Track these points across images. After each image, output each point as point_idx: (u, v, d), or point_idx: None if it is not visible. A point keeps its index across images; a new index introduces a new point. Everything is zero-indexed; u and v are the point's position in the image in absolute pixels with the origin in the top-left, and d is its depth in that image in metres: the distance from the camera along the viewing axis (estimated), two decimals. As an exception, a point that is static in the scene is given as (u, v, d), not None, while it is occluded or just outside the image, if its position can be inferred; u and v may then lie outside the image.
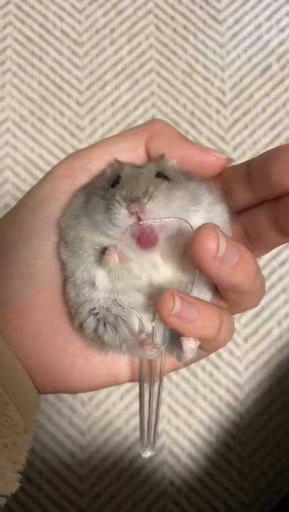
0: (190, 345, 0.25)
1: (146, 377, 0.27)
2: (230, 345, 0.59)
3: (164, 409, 0.57)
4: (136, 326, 0.27)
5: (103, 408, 0.57)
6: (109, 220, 0.24)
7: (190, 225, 0.24)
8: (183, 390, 0.58)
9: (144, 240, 0.24)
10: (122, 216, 0.24)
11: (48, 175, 0.28)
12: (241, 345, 0.59)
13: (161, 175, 0.26)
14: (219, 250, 0.22)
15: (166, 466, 0.57)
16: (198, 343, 0.25)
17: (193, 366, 0.58)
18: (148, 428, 0.28)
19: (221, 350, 0.59)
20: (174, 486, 0.56)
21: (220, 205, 0.27)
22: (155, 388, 0.27)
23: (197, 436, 0.57)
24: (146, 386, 0.28)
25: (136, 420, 0.57)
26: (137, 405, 0.56)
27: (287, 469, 0.57)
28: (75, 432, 0.56)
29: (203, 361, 0.58)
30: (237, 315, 0.59)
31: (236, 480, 0.56)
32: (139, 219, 0.24)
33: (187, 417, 0.58)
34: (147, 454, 0.28)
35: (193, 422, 0.58)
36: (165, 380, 0.58)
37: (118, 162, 0.27)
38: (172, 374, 0.58)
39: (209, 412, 0.58)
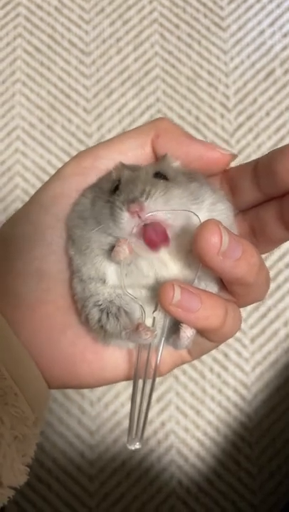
0: (188, 333, 0.25)
1: (141, 369, 0.28)
2: (237, 346, 0.59)
3: (171, 410, 0.58)
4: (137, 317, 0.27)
5: (112, 408, 0.58)
6: (114, 224, 0.25)
7: (198, 217, 0.25)
8: (191, 390, 0.58)
9: (151, 240, 0.25)
10: (126, 219, 0.24)
11: (57, 173, 0.29)
12: (248, 346, 0.59)
13: (159, 174, 0.27)
14: (222, 244, 0.23)
15: (174, 466, 0.57)
16: (195, 332, 0.26)
17: (200, 367, 0.59)
18: (137, 420, 0.28)
19: (228, 351, 0.59)
20: (182, 486, 0.56)
21: (223, 203, 0.28)
22: (148, 382, 0.28)
23: (205, 437, 0.58)
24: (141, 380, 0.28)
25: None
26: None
27: (295, 470, 0.57)
28: (84, 431, 0.57)
29: (210, 362, 0.59)
30: (243, 316, 0.60)
31: (245, 481, 0.57)
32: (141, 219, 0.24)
33: (195, 417, 0.58)
34: (135, 446, 0.28)
35: (202, 423, 0.58)
36: (173, 380, 0.58)
37: (122, 165, 0.28)
38: (180, 375, 0.59)
39: (217, 412, 0.58)
